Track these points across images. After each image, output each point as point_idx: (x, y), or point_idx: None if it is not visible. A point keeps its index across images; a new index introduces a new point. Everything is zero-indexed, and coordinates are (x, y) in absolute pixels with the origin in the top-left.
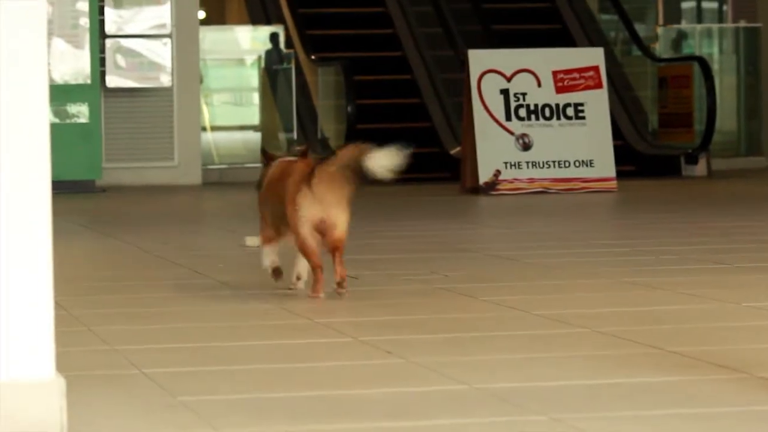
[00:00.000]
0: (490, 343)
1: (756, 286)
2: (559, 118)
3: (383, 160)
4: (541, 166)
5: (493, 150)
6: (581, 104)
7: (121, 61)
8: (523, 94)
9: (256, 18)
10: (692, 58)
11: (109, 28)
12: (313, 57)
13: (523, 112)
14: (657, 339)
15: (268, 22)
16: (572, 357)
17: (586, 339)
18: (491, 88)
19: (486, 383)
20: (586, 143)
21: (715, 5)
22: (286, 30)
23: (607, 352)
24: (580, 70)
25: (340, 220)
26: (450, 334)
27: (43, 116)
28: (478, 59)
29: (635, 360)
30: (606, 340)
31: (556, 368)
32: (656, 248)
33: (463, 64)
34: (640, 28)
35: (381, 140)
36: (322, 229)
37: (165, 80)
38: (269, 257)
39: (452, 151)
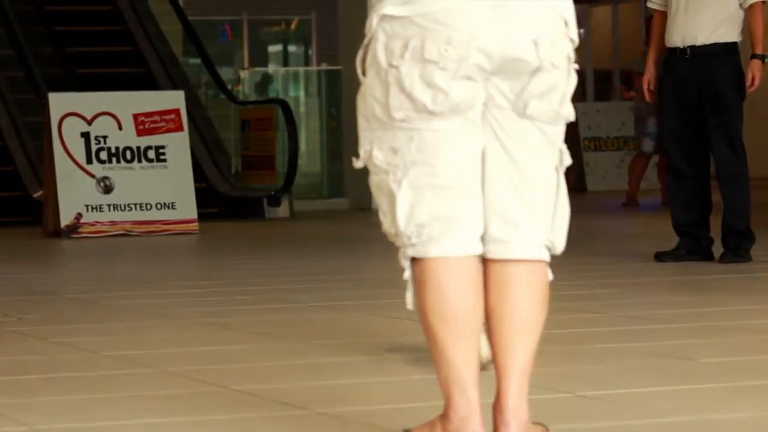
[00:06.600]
0: (55, 385)
1: (323, 324)
2: (140, 161)
3: None
4: (123, 208)
5: (74, 193)
6: (162, 147)
7: None
8: (104, 137)
9: None
10: (274, 101)
11: None
12: None
13: (104, 155)
14: (223, 378)
15: None
16: (137, 397)
17: (154, 379)
18: (72, 131)
19: (47, 424)
20: (168, 186)
21: (302, 49)
22: None
23: (173, 391)
24: (161, 113)
25: None
26: (15, 376)
27: None
28: (59, 102)
29: (200, 399)
30: (173, 380)
31: (119, 408)
32: (233, 289)
33: (45, 107)
34: (227, 72)
35: None
36: None
37: None
38: None
39: (35, 195)
